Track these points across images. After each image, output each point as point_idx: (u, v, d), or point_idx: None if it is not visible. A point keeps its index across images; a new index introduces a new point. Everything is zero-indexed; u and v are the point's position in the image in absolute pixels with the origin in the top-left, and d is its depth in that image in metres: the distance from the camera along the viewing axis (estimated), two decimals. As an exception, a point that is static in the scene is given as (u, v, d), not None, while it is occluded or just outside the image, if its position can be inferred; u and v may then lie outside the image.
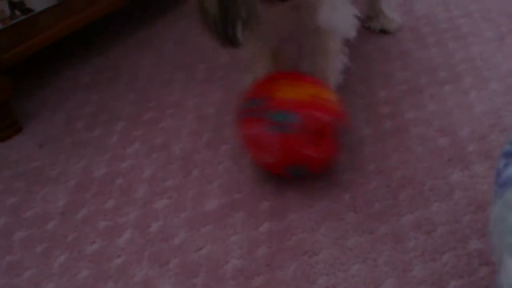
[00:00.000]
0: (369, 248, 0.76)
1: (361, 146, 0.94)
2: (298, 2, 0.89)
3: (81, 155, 0.96)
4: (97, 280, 0.75)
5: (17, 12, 1.06)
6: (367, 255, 0.75)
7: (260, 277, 0.73)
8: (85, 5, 1.11)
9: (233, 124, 0.99)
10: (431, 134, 0.94)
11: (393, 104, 1.02)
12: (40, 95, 1.11)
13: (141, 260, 0.77)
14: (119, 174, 0.92)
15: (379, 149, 0.93)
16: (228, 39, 0.76)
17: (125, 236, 0.81)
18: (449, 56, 1.14)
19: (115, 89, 1.11)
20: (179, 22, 1.34)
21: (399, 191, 0.85)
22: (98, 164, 0.94)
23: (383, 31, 1.23)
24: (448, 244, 0.75)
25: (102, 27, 1.29)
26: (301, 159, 0.82)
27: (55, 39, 1.06)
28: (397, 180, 0.87)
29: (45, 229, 0.84)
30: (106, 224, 0.83)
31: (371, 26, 1.23)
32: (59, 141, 0.99)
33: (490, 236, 0.52)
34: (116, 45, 1.26)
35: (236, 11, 0.73)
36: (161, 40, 1.27)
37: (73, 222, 0.84)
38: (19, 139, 1.02)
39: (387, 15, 1.23)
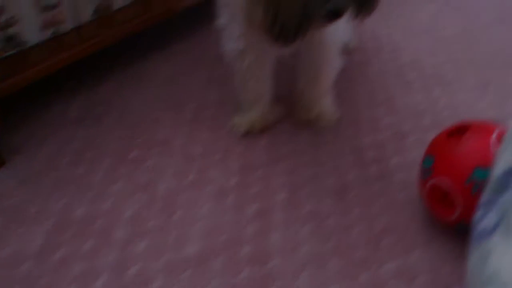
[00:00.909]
0: (351, 300, 0.72)
1: (346, 190, 0.90)
2: None
3: (63, 193, 0.91)
4: (71, 325, 0.70)
5: (10, 45, 1.02)
6: (348, 306, 0.71)
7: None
8: (78, 40, 1.08)
9: (220, 163, 0.96)
10: (413, 181, 0.91)
11: (379, 149, 0.99)
12: (27, 128, 1.06)
13: (117, 305, 0.72)
14: (100, 213, 0.86)
15: (364, 194, 0.89)
16: (291, 39, 0.80)
17: (102, 280, 0.75)
18: (434, 102, 1.12)
19: (103, 125, 1.07)
20: (170, 59, 1.31)
21: (381, 238, 0.81)
22: (80, 202, 0.89)
23: (310, 124, 1.07)
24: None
25: (94, 62, 1.25)
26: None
27: (47, 73, 1.02)
28: (380, 226, 0.83)
29: (19, 271, 0.77)
30: (82, 266, 0.78)
31: (298, 116, 1.08)
32: (42, 177, 0.94)
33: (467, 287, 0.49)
34: (107, 80, 1.22)
35: (308, 22, 0.79)
36: (151, 77, 1.23)
37: (48, 264, 0.78)
38: (0, 173, 0.96)
39: (324, 106, 1.07)
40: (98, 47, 1.10)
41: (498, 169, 0.50)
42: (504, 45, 1.31)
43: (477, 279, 0.46)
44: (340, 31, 0.99)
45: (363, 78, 1.21)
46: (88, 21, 1.09)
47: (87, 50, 1.08)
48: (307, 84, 1.03)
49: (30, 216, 0.86)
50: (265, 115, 1.04)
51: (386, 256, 0.78)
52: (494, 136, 0.75)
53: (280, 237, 0.82)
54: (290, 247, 0.80)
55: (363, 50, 1.32)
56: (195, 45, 1.37)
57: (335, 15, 0.82)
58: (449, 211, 0.76)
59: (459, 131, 0.80)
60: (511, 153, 0.48)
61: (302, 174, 0.94)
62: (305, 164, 0.96)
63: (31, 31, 1.03)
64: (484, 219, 0.49)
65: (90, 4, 1.13)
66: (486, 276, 0.45)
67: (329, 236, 0.82)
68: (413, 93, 1.15)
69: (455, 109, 1.09)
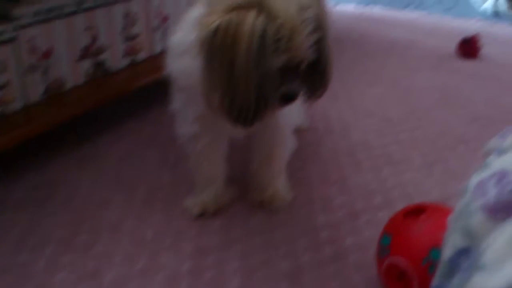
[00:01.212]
0: None
1: (301, 273, 0.88)
2: None
3: (-1, 284, 0.84)
4: None
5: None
6: None
7: None
8: (25, 120, 1.05)
9: (173, 248, 0.92)
10: (368, 262, 0.90)
11: (333, 229, 0.99)
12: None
13: None
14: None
15: (319, 277, 0.88)
16: (248, 121, 0.82)
17: None
18: (383, 181, 1.14)
19: (49, 209, 1.02)
20: (123, 139, 1.29)
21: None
22: (19, 294, 0.82)
23: (264, 207, 1.05)
24: None
25: (41, 142, 1.21)
26: None
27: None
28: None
29: None
30: None
31: (252, 197, 1.07)
32: (-22, 267, 0.87)
33: None
34: (55, 161, 1.18)
35: (263, 108, 0.81)
36: (102, 158, 1.20)
37: None
38: None
39: (277, 188, 1.05)
40: (48, 127, 1.08)
41: (446, 253, 0.51)
42: (447, 127, 1.37)
43: None
44: (293, 113, 1.01)
45: (315, 158, 1.22)
46: (38, 100, 1.07)
47: (35, 130, 1.05)
48: (260, 165, 1.04)
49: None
50: (218, 197, 1.03)
51: None
52: (449, 218, 0.78)
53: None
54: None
55: (314, 130, 1.35)
56: (147, 125, 1.36)
57: (289, 98, 0.84)
58: None
59: (415, 212, 0.82)
60: (457, 237, 0.49)
61: (256, 257, 0.92)
62: (259, 247, 0.94)
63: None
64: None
65: (41, 84, 1.12)
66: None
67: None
68: (363, 172, 1.17)
69: (404, 188, 1.11)
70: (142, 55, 1.40)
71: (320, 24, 0.83)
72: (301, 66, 0.83)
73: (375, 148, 1.27)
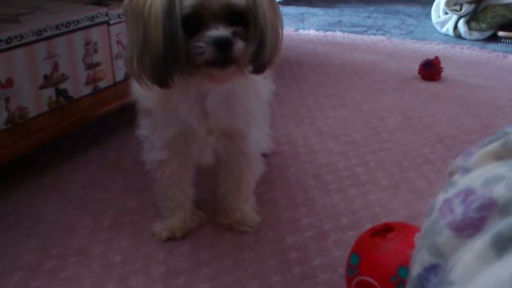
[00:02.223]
0: None
1: (271, 294, 0.94)
2: (229, 129, 0.98)
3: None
4: None
5: None
6: None
7: None
8: (-11, 149, 1.10)
9: (142, 272, 0.97)
10: (337, 281, 0.96)
11: (301, 250, 1.04)
12: None
13: None
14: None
15: (287, 298, 0.92)
16: (163, 78, 0.83)
17: None
18: (350, 202, 1.21)
19: (15, 236, 1.06)
20: (87, 166, 1.34)
21: None
22: (-14, 322, 0.86)
23: (232, 228, 1.11)
24: None
25: (5, 170, 1.26)
26: None
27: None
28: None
29: None
30: None
31: (220, 220, 1.12)
32: None
33: None
34: (20, 189, 1.22)
35: (177, 58, 0.82)
36: (68, 184, 1.25)
37: None
38: None
39: (245, 211, 1.12)
40: (11, 156, 1.12)
41: (414, 270, 0.53)
42: (411, 148, 1.46)
43: None
44: (260, 139, 1.08)
45: (282, 180, 1.29)
46: (1, 129, 1.12)
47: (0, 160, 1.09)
48: (228, 190, 1.10)
49: None
50: (187, 221, 1.09)
51: None
52: (416, 236, 0.84)
53: None
54: None
55: (280, 153, 1.42)
56: (111, 152, 1.42)
57: (221, 42, 0.82)
58: None
59: (383, 231, 0.87)
60: (426, 254, 0.51)
61: (226, 279, 0.97)
62: (228, 269, 0.99)
63: None
64: None
65: (2, 112, 1.16)
66: None
67: None
68: (330, 194, 1.24)
69: (371, 208, 1.18)
70: (104, 83, 1.46)
71: None
72: (227, 15, 0.83)
73: (341, 169, 1.35)
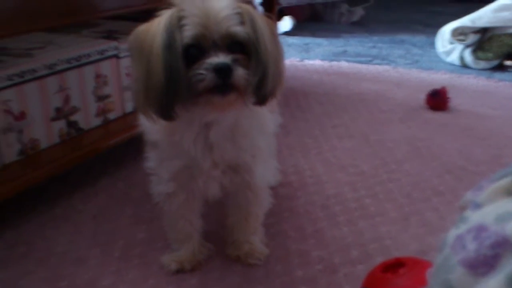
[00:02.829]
0: None
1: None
2: (235, 163, 0.98)
3: None
4: None
5: None
6: None
7: None
8: (1, 180, 1.11)
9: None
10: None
11: (310, 284, 1.04)
12: None
13: None
14: None
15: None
16: (166, 110, 0.85)
17: None
18: (360, 235, 1.21)
19: (26, 266, 1.07)
20: (97, 196, 1.36)
21: None
22: None
23: (240, 260, 1.12)
24: None
25: (17, 201, 1.27)
26: None
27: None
28: None
29: None
30: None
31: (228, 252, 1.14)
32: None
33: None
34: (31, 219, 1.24)
35: (178, 89, 0.83)
36: (78, 215, 1.27)
37: None
38: None
39: (253, 244, 1.12)
40: (23, 187, 1.14)
41: None
42: (420, 179, 1.46)
43: None
44: (268, 172, 1.09)
45: (290, 212, 1.30)
46: (14, 161, 1.14)
47: (12, 191, 1.11)
48: (236, 223, 1.11)
49: None
50: (195, 254, 1.09)
51: None
52: (428, 273, 0.85)
53: None
54: None
55: (287, 185, 1.43)
56: (120, 182, 1.43)
57: (221, 69, 0.83)
58: None
59: (394, 266, 0.87)
60: None
61: (235, 313, 0.98)
62: (238, 301, 1.00)
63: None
64: None
65: (15, 144, 1.19)
66: None
67: None
68: (339, 226, 1.24)
69: (381, 241, 1.18)
70: (114, 114, 1.48)
71: (243, 15, 0.87)
72: (227, 44, 0.86)
73: (350, 201, 1.35)
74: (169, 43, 0.83)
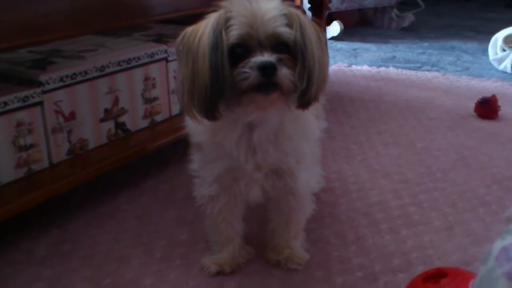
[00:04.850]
0: None
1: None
2: (278, 167, 0.97)
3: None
4: None
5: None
6: None
7: None
8: (50, 179, 1.14)
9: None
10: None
11: (350, 291, 1.03)
12: (-10, 268, 1.08)
13: None
14: None
15: None
16: (211, 110, 0.86)
17: None
18: (402, 243, 1.18)
19: (71, 264, 1.09)
20: (142, 197, 1.37)
21: None
22: None
23: (280, 265, 1.10)
24: None
25: (63, 200, 1.30)
26: None
27: (18, 211, 1.06)
28: None
29: None
30: None
31: (268, 256, 1.12)
32: (2, 321, 0.94)
33: None
34: (76, 218, 1.26)
35: (223, 88, 0.84)
36: (122, 215, 1.29)
37: None
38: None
39: (294, 249, 1.11)
40: (71, 186, 1.17)
41: None
42: (466, 188, 1.42)
43: None
44: (311, 178, 1.07)
45: (332, 218, 1.28)
46: (63, 160, 1.17)
47: (60, 189, 1.14)
48: (278, 228, 1.10)
49: None
50: (235, 257, 1.09)
51: None
52: (470, 284, 0.82)
53: None
54: None
55: (330, 191, 1.41)
56: (164, 184, 1.44)
57: (266, 68, 0.83)
58: None
59: (436, 276, 0.85)
60: None
61: (274, 317, 0.97)
62: (276, 306, 0.99)
63: (5, 170, 1.10)
64: None
65: (65, 144, 1.22)
66: None
67: None
68: (381, 233, 1.21)
69: (423, 250, 1.14)
70: (160, 116, 1.50)
71: (291, 18, 0.88)
72: (272, 44, 0.86)
73: (393, 208, 1.32)
74: (216, 43, 0.84)
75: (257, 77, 0.84)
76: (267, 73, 0.84)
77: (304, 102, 0.90)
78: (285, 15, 0.87)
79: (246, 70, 0.84)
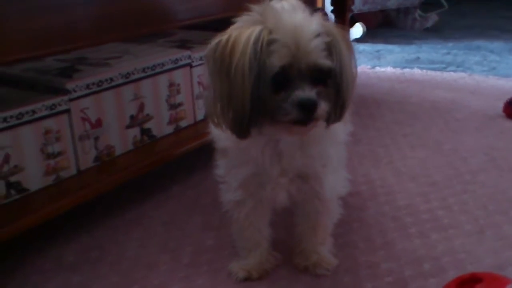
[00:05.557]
0: None
1: None
2: (304, 172, 0.97)
3: None
4: None
5: (13, 191, 1.09)
6: None
7: None
8: (78, 186, 1.15)
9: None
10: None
11: (380, 297, 1.01)
12: (20, 275, 1.08)
13: None
14: None
15: None
16: (243, 131, 0.86)
17: None
18: (432, 247, 1.15)
19: (99, 270, 1.10)
20: (168, 203, 1.37)
21: None
22: None
23: (308, 270, 1.09)
24: None
25: (90, 206, 1.31)
26: None
27: (47, 218, 1.07)
28: None
29: None
30: None
31: (296, 262, 1.11)
32: (34, 328, 0.95)
33: None
34: (104, 224, 1.27)
35: (261, 115, 0.85)
36: (149, 221, 1.29)
37: None
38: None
39: (321, 254, 1.10)
40: (98, 193, 1.17)
41: None
42: (497, 190, 1.39)
43: None
44: (338, 183, 1.06)
45: (359, 223, 1.26)
46: (90, 167, 1.18)
47: (88, 196, 1.14)
48: (305, 233, 1.09)
49: None
50: (262, 262, 1.08)
51: None
52: None
53: None
54: None
55: (357, 195, 1.39)
56: (190, 190, 1.44)
57: (305, 104, 0.84)
58: None
59: (470, 282, 0.83)
60: None
61: (303, 323, 0.95)
62: (305, 313, 0.98)
63: (34, 177, 1.11)
64: None
65: (92, 150, 1.22)
66: None
67: None
68: (410, 238, 1.19)
69: (454, 255, 1.12)
70: (185, 122, 1.50)
71: (330, 40, 0.87)
72: (312, 74, 0.85)
73: (422, 212, 1.30)
74: (259, 71, 0.83)
75: (297, 114, 0.84)
76: (307, 111, 0.84)
77: (337, 120, 0.93)
78: (325, 43, 0.86)
79: (287, 106, 0.84)
